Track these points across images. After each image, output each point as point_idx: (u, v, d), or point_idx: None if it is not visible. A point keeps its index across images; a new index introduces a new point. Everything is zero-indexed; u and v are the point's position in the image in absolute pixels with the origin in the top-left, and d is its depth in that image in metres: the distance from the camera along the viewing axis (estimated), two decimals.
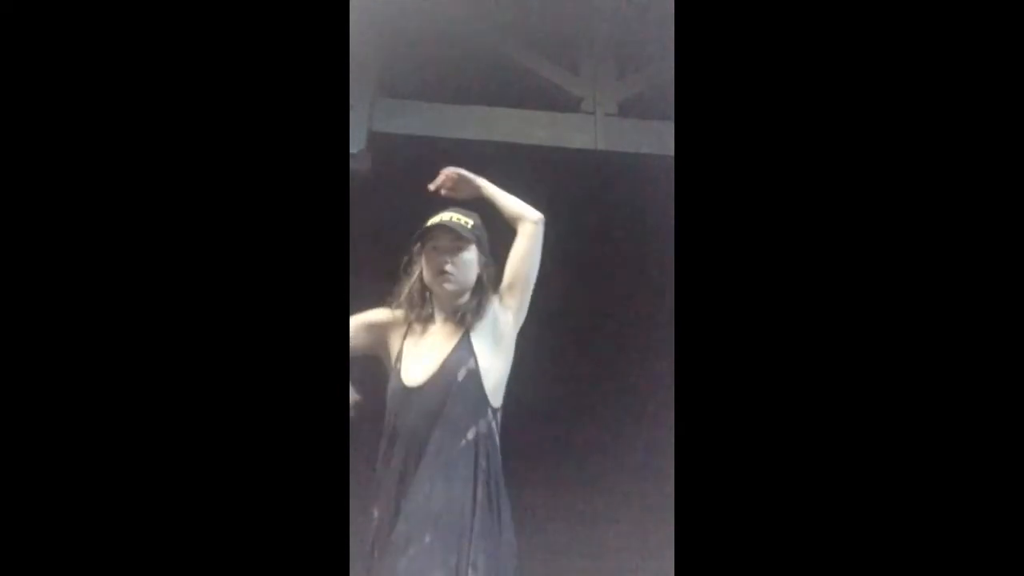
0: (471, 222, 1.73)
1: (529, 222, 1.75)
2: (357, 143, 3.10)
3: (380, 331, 1.73)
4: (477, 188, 1.79)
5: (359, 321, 1.74)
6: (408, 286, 1.74)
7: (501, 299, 1.74)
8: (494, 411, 1.61)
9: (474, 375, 1.59)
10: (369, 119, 3.21)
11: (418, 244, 1.73)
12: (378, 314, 1.77)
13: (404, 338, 1.69)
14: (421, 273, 1.72)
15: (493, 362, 1.64)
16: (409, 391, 1.57)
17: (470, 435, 1.54)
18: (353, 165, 3.03)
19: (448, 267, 1.65)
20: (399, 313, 1.74)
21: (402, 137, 3.30)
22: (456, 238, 1.66)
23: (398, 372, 1.62)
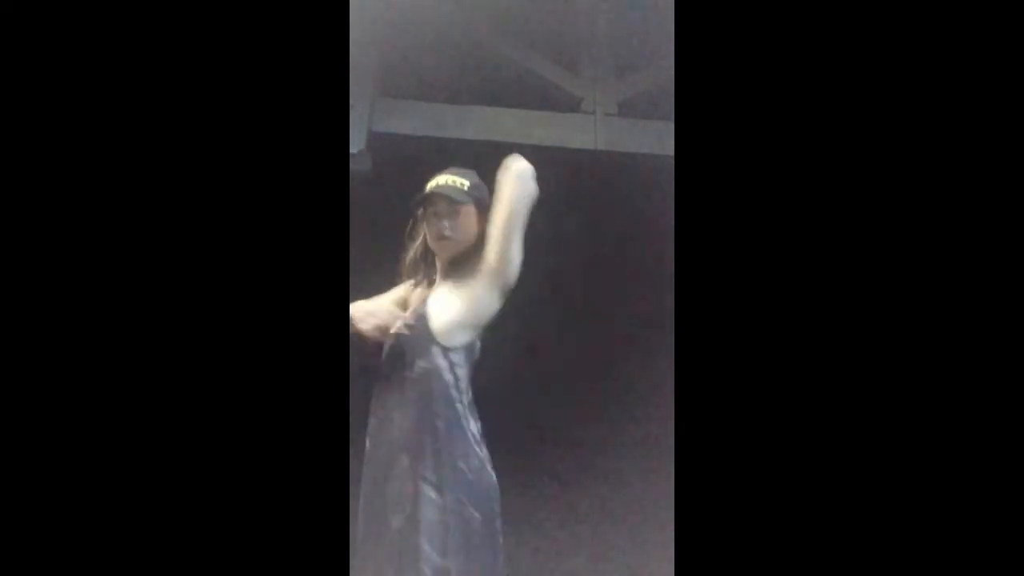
0: (467, 182, 1.77)
1: (510, 171, 1.76)
2: (357, 143, 3.10)
3: (403, 304, 1.84)
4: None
5: (390, 297, 1.86)
6: (413, 250, 1.82)
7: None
8: (444, 349, 1.68)
9: (421, 317, 1.68)
10: (369, 119, 3.21)
11: (420, 210, 1.79)
12: (400, 290, 1.88)
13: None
14: (425, 237, 1.80)
15: (445, 305, 1.70)
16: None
17: (418, 368, 1.65)
18: (353, 165, 3.03)
19: (447, 231, 1.72)
20: (410, 283, 1.84)
21: (402, 137, 3.30)
22: (452, 202, 1.72)
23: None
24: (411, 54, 3.48)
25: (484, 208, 1.77)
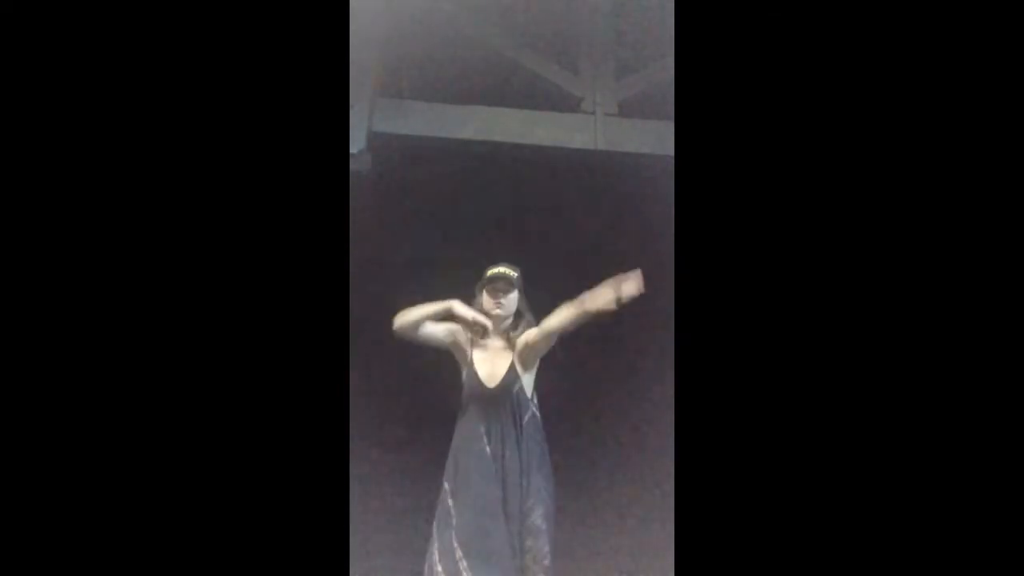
0: (515, 274, 2.53)
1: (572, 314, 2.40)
2: (357, 143, 3.09)
3: (456, 336, 2.51)
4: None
5: (446, 326, 2.50)
6: (471, 312, 2.46)
7: (534, 339, 2.46)
8: (533, 402, 2.50)
9: (522, 388, 2.48)
10: (369, 119, 3.21)
11: (482, 286, 2.51)
12: (451, 326, 2.51)
13: (472, 348, 2.52)
14: (482, 306, 2.50)
15: (527, 376, 2.51)
16: (486, 389, 2.46)
17: (527, 417, 2.45)
18: (353, 165, 3.02)
19: (501, 299, 2.49)
20: (462, 331, 2.52)
21: (402, 137, 3.30)
22: (507, 283, 2.49)
23: (475, 374, 2.49)
24: (411, 54, 3.47)
25: (522, 292, 2.52)
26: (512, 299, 2.49)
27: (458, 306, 2.44)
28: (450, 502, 2.39)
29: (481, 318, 2.44)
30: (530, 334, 2.45)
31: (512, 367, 2.48)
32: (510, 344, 2.50)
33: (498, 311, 2.47)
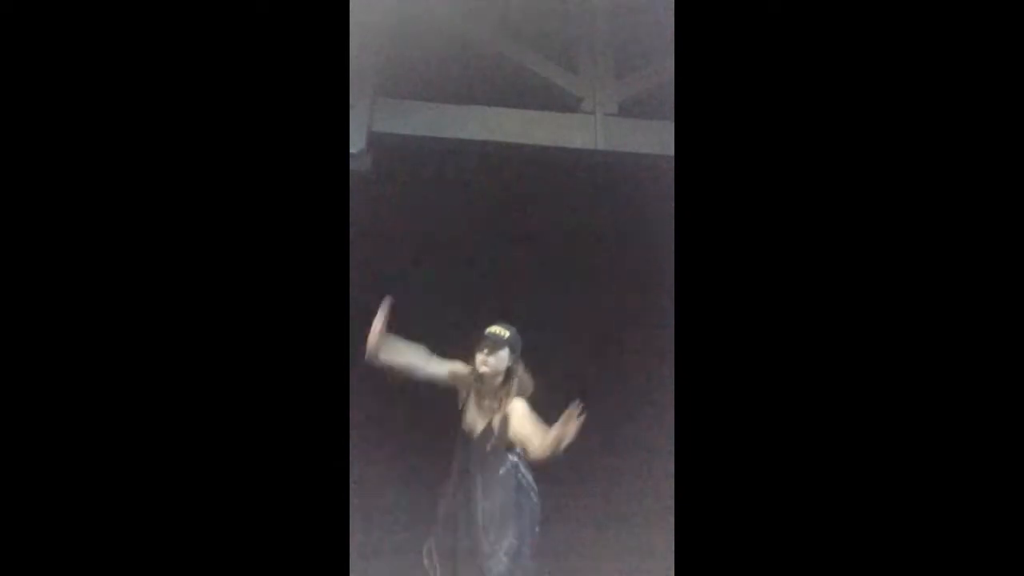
0: (508, 334, 2.56)
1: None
2: (357, 143, 3.09)
3: (460, 377, 2.59)
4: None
5: (448, 367, 2.59)
6: (469, 370, 2.57)
7: (513, 428, 2.50)
8: (513, 453, 2.51)
9: (497, 444, 2.49)
10: (369, 119, 3.21)
11: (475, 344, 2.56)
12: (459, 366, 2.59)
13: (468, 395, 2.61)
14: (475, 362, 2.57)
15: (519, 423, 2.49)
16: (469, 437, 2.56)
17: (503, 469, 2.48)
18: (353, 165, 3.02)
19: (489, 358, 2.51)
20: (469, 375, 2.60)
21: (402, 137, 3.29)
22: (496, 343, 2.52)
23: (464, 418, 2.59)
24: (411, 54, 3.47)
25: (516, 351, 2.55)
26: (501, 358, 2.53)
27: (459, 367, 2.53)
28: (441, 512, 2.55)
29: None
30: (512, 414, 2.49)
31: (489, 426, 2.54)
32: (498, 404, 2.54)
33: (485, 369, 2.51)
